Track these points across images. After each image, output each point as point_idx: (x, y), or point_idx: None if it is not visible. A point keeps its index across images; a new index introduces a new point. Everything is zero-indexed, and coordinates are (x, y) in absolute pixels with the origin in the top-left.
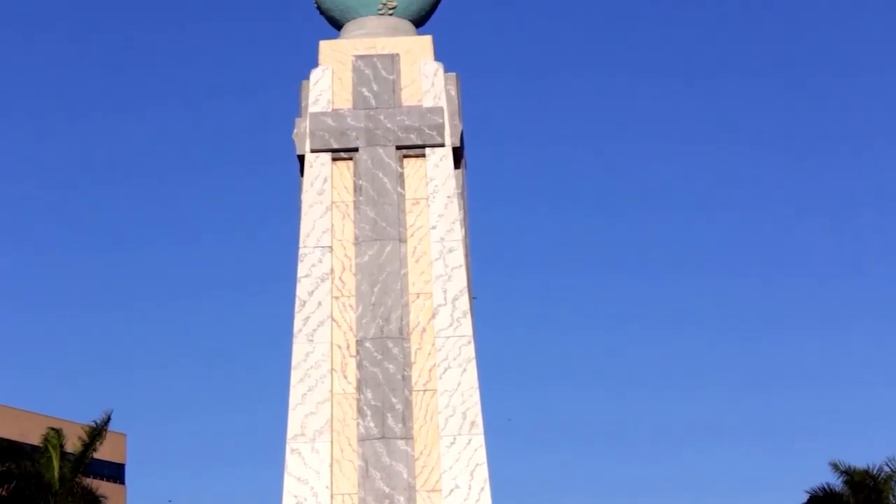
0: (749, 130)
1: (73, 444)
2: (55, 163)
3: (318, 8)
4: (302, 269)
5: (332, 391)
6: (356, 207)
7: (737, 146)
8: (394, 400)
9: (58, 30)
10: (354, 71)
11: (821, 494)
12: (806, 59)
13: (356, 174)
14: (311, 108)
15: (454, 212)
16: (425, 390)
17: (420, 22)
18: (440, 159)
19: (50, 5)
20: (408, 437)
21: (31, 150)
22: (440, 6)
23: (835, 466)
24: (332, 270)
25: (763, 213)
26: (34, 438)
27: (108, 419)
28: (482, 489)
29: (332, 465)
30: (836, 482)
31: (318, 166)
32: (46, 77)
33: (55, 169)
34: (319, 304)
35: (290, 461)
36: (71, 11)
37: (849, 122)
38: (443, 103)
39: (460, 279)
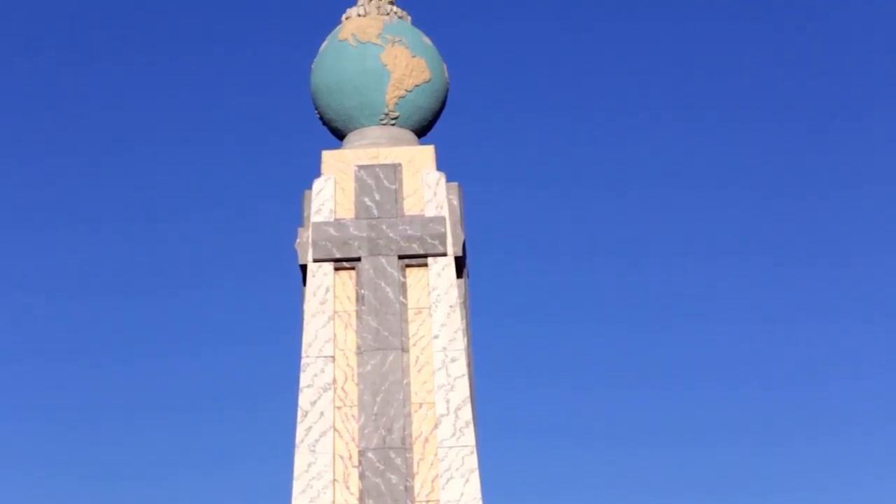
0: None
1: None
2: (52, 280)
3: (321, 118)
4: (304, 379)
5: (334, 502)
6: (358, 317)
7: (758, 258)
8: None
9: (63, 152)
10: (357, 180)
11: None
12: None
13: (358, 284)
14: (314, 218)
15: (456, 321)
16: (428, 501)
17: (422, 132)
18: (442, 269)
19: (56, 125)
20: None
21: (39, 265)
22: (442, 115)
23: None
24: (334, 380)
25: (770, 325)
26: None
27: None
28: None
29: None
30: None
31: (320, 276)
32: (47, 195)
33: (56, 282)
34: (322, 414)
35: None
36: (79, 134)
37: None
38: (445, 213)
39: (463, 389)
